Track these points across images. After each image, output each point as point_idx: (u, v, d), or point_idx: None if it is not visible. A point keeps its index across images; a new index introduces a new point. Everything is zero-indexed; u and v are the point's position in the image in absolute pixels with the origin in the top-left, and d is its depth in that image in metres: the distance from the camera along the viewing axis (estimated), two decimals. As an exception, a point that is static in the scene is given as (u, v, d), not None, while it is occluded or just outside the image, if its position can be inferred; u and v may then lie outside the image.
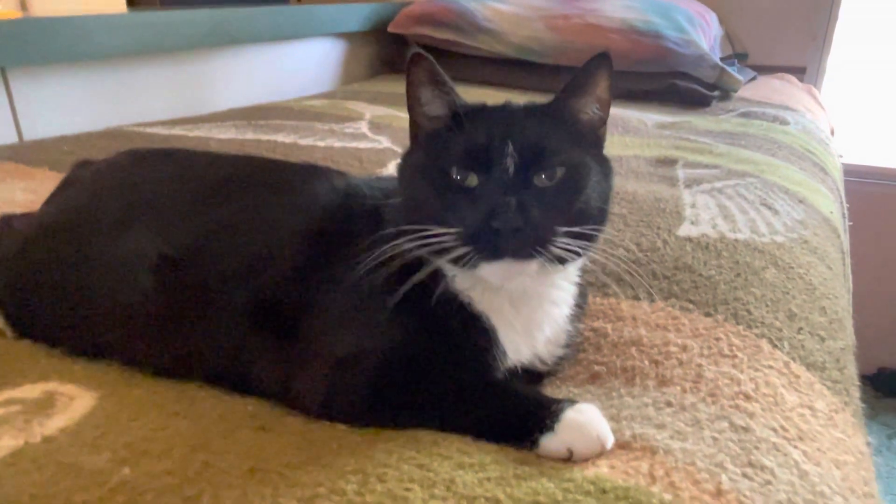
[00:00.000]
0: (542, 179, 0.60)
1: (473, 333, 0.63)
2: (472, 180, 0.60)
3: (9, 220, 0.87)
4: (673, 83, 2.12)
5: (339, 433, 0.59)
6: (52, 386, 0.65)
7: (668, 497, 0.48)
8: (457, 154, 0.61)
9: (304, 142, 1.53)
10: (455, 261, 0.59)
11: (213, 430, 0.57)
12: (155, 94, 1.86)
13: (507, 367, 0.64)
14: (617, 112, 1.95)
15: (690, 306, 0.78)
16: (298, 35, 2.27)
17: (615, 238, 0.94)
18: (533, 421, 0.55)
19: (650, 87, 2.14)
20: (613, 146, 1.58)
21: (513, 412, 0.57)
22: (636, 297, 0.81)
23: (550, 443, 0.54)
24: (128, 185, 0.81)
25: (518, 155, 0.59)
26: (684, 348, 0.70)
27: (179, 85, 1.93)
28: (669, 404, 0.60)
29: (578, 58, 2.27)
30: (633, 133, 1.74)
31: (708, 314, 0.77)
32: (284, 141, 1.52)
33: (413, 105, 0.65)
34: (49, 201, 0.86)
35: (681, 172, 1.37)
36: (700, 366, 0.66)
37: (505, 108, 0.66)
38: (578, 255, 0.61)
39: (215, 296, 0.69)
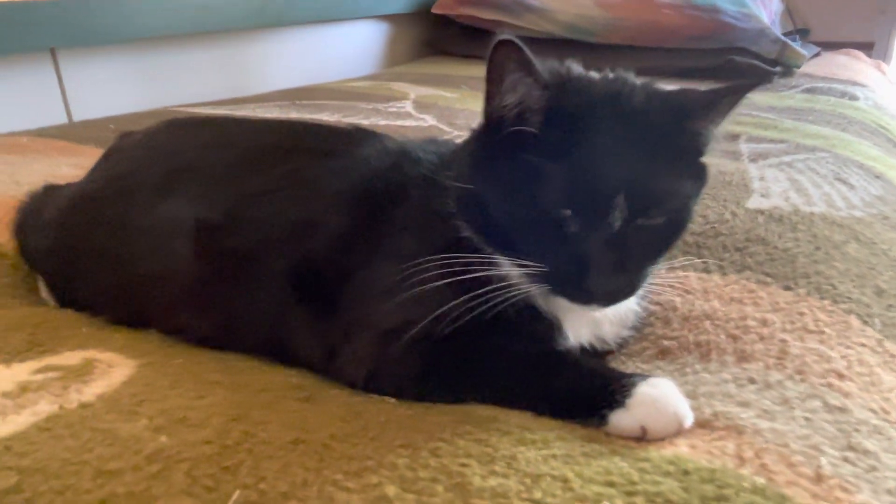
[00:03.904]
0: (645, 222, 0.52)
1: (531, 317, 0.57)
2: (569, 218, 0.51)
3: (52, 188, 0.86)
4: (731, 59, 2.01)
5: (387, 406, 0.54)
6: (91, 353, 0.62)
7: (760, 480, 0.42)
8: (554, 185, 0.51)
9: (348, 120, 1.50)
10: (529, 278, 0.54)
11: (254, 401, 0.54)
12: (200, 75, 1.85)
13: (569, 348, 0.59)
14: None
15: (768, 279, 0.72)
16: (342, 17, 2.24)
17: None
18: (601, 396, 0.50)
19: (707, 63, 2.04)
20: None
21: (578, 386, 0.52)
22: (706, 270, 0.74)
23: (622, 420, 0.49)
24: (168, 153, 0.78)
25: (628, 206, 0.50)
26: (764, 322, 0.63)
27: (224, 66, 1.93)
28: (752, 381, 0.54)
29: (629, 35, 2.19)
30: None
31: (788, 287, 0.70)
32: (328, 120, 1.49)
33: (494, 95, 0.54)
34: (92, 171, 0.84)
35: (744, 147, 1.29)
36: (784, 341, 0.60)
37: (618, 121, 0.52)
38: None
39: (256, 262, 0.65)
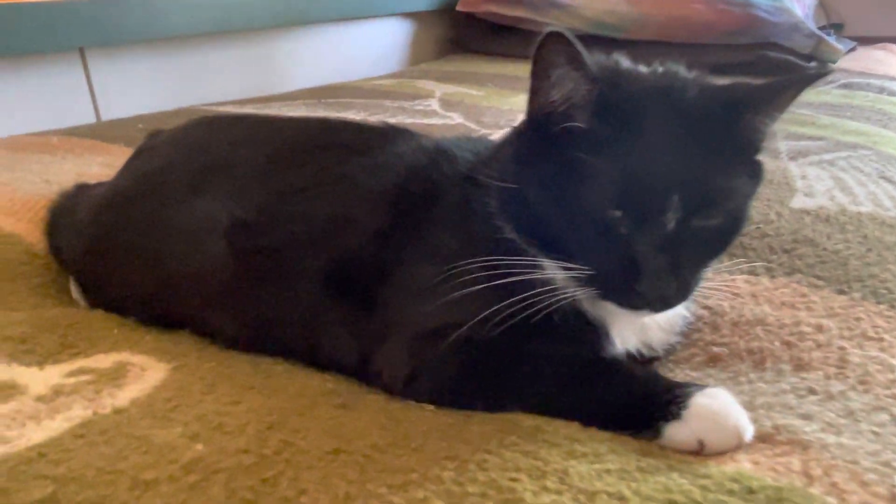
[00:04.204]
0: (700, 222, 0.49)
1: (576, 323, 0.55)
2: (620, 219, 0.49)
3: (83, 188, 0.85)
4: (763, 54, 1.96)
5: (427, 414, 0.52)
6: (124, 356, 0.61)
7: (832, 501, 0.39)
8: (604, 184, 0.48)
9: (374, 118, 1.48)
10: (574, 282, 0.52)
11: (290, 407, 0.52)
12: (227, 74, 1.85)
13: (615, 355, 0.56)
14: (703, 86, 1.82)
15: (819, 282, 0.68)
16: (367, 14, 2.22)
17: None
18: (655, 406, 0.47)
19: (738, 59, 1.99)
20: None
21: (630, 396, 0.49)
22: (753, 273, 0.71)
23: (678, 432, 0.46)
24: (199, 150, 0.76)
25: (682, 206, 0.48)
26: (820, 328, 0.60)
27: (251, 65, 1.92)
28: (813, 392, 0.51)
29: (657, 31, 2.15)
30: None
31: (841, 291, 0.67)
32: (354, 118, 1.48)
33: (539, 91, 0.52)
34: (122, 170, 0.83)
35: (782, 144, 1.25)
36: (843, 349, 0.57)
37: (671, 116, 0.50)
38: None
39: (290, 261, 0.63)
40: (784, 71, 1.92)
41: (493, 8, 2.32)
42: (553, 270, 0.53)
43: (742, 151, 0.53)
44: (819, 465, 0.43)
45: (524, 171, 0.54)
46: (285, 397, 0.54)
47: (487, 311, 0.52)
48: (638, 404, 0.48)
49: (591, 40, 2.33)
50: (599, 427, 0.49)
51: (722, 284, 0.68)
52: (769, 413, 0.49)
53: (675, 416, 0.46)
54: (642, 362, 0.59)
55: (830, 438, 0.45)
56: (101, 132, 1.33)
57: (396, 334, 0.57)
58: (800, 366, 0.55)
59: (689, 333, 0.62)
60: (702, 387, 0.48)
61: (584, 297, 0.53)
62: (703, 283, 0.58)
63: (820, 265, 0.72)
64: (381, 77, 2.10)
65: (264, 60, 1.96)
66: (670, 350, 0.61)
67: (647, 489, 0.40)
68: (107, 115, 1.58)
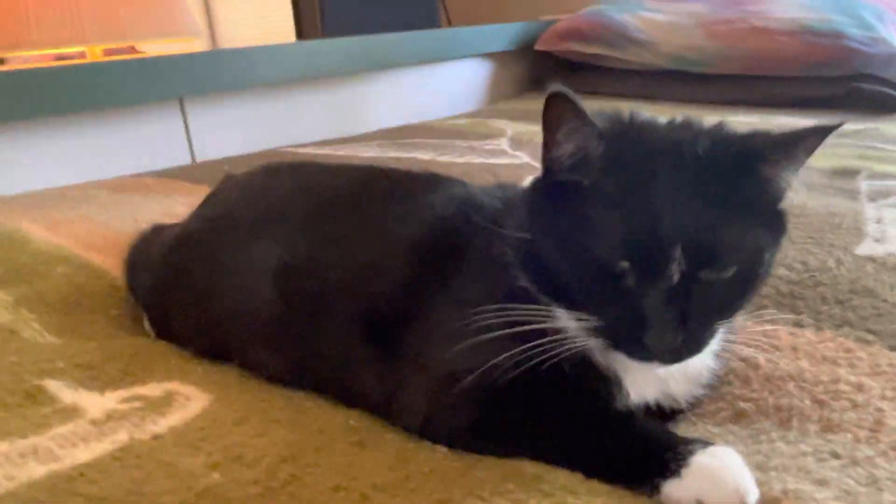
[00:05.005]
0: (710, 275, 0.49)
1: (588, 373, 0.55)
2: (626, 268, 0.49)
3: (159, 228, 0.93)
4: (856, 87, 1.86)
5: (438, 456, 0.54)
6: (173, 385, 0.67)
7: (826, 575, 0.37)
8: (609, 236, 0.49)
9: (442, 159, 1.52)
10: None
11: (309, 442, 0.55)
12: (312, 117, 1.97)
13: (629, 406, 0.56)
14: (785, 121, 1.75)
15: (870, 337, 0.65)
16: (447, 57, 2.30)
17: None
18: (655, 462, 0.47)
19: (827, 92, 1.90)
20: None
21: (632, 449, 0.49)
22: (798, 325, 0.68)
23: (675, 491, 0.45)
24: (258, 197, 0.83)
25: (687, 259, 0.47)
26: (860, 388, 0.57)
27: (334, 108, 2.03)
28: (836, 455, 0.49)
29: (742, 65, 2.09)
30: (805, 143, 1.54)
31: (894, 348, 0.63)
32: (423, 158, 1.53)
33: (551, 144, 0.53)
34: (194, 211, 0.91)
35: (863, 184, 1.18)
36: (881, 410, 0.53)
37: (673, 163, 0.50)
38: None
39: (327, 304, 0.67)
40: (878, 104, 1.81)
41: (571, 46, 2.34)
42: (565, 320, 0.54)
43: (758, 202, 0.52)
44: (822, 535, 0.41)
45: (536, 221, 0.55)
46: (308, 432, 0.58)
47: (499, 358, 0.53)
48: (639, 459, 0.48)
49: (673, 76, 2.31)
50: (601, 479, 0.48)
51: (761, 336, 0.66)
52: (782, 476, 0.47)
53: (675, 473, 0.45)
54: (664, 415, 0.58)
55: (843, 507, 0.43)
56: (190, 174, 1.45)
57: (416, 377, 0.60)
58: (828, 427, 0.52)
59: (717, 387, 0.60)
60: (707, 444, 0.47)
61: (596, 347, 0.53)
62: (732, 334, 0.57)
63: (875, 318, 0.68)
64: (457, 116, 2.16)
65: (347, 103, 2.07)
66: (696, 403, 0.59)
67: (630, 547, 0.40)
68: (201, 157, 1.72)
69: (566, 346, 0.52)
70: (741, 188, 0.50)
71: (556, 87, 0.50)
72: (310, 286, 0.69)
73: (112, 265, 0.97)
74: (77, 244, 1.02)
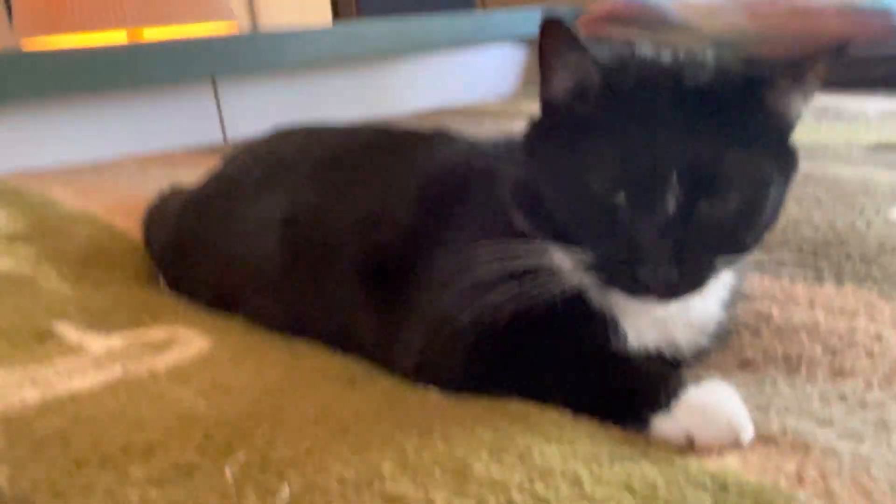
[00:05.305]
0: (710, 206, 0.46)
1: (582, 312, 0.52)
2: (621, 199, 0.47)
3: (178, 191, 0.95)
4: (907, 66, 1.77)
5: (428, 396, 0.53)
6: (177, 330, 0.68)
7: (818, 504, 0.35)
8: (606, 167, 0.47)
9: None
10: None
11: (301, 380, 0.55)
12: (343, 98, 1.98)
13: (627, 350, 0.53)
14: (829, 101, 1.68)
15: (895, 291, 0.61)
16: (481, 41, 2.29)
17: (799, 216, 0.77)
18: (645, 397, 0.44)
19: (877, 73, 1.82)
20: (819, 133, 1.34)
21: (622, 385, 0.47)
22: (818, 279, 0.65)
23: (664, 425, 0.43)
24: (269, 156, 0.83)
25: (683, 186, 0.45)
26: (878, 338, 0.53)
27: (366, 90, 2.04)
28: (843, 398, 0.46)
29: (784, 47, 2.01)
30: (847, 121, 1.48)
31: (921, 302, 0.59)
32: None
33: (547, 78, 0.52)
34: (208, 173, 0.92)
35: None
36: (899, 359, 0.50)
37: (673, 94, 0.48)
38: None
39: (330, 253, 0.67)
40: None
41: (609, 30, 2.29)
42: (560, 258, 0.52)
43: (764, 133, 0.49)
44: (818, 469, 0.38)
45: (534, 159, 0.54)
46: (301, 372, 0.57)
47: (491, 298, 0.52)
48: (629, 394, 0.46)
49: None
50: (591, 416, 0.46)
51: (776, 289, 0.63)
52: (782, 416, 0.44)
53: (664, 407, 0.43)
54: (667, 365, 0.56)
55: (845, 446, 0.40)
56: (219, 149, 1.47)
57: (413, 321, 0.59)
58: (839, 372, 0.49)
59: (725, 338, 0.58)
60: (701, 379, 0.44)
61: (592, 286, 0.51)
62: (743, 283, 0.55)
63: (903, 274, 0.64)
64: (489, 101, 2.14)
65: (379, 85, 2.08)
66: (701, 354, 0.57)
67: (608, 473, 0.38)
68: (232, 136, 1.75)
69: (559, 284, 0.51)
70: (745, 117, 0.48)
71: (549, 15, 0.48)
72: (313, 235, 0.69)
73: (133, 228, 0.99)
74: (102, 209, 1.04)
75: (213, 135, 1.72)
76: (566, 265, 0.52)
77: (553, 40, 0.49)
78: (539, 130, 0.55)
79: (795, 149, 0.51)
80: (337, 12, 2.33)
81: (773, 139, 0.50)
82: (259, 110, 1.81)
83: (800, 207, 0.81)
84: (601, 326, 0.52)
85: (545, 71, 0.52)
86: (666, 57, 0.54)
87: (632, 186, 0.47)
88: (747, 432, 0.42)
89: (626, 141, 0.47)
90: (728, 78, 0.49)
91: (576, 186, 0.49)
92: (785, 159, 0.50)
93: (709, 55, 0.53)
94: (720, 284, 0.55)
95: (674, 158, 0.45)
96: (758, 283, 0.65)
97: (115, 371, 0.57)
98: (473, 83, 2.30)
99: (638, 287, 0.48)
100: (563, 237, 0.51)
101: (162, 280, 0.87)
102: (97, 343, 0.64)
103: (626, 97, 0.49)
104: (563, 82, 0.51)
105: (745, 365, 0.54)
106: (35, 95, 1.43)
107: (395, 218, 0.65)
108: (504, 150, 0.65)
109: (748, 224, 0.49)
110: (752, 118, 0.48)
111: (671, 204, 0.46)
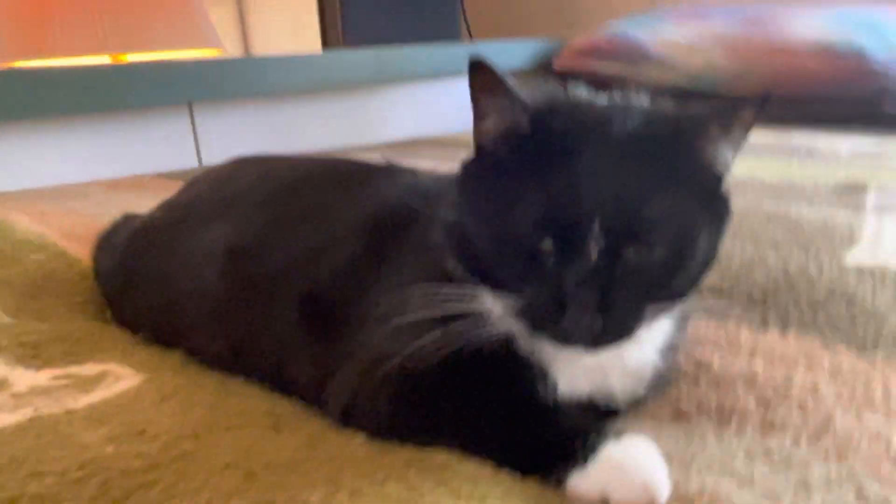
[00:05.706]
0: (635, 254, 0.46)
1: (511, 360, 0.51)
2: (546, 245, 0.46)
3: (130, 218, 0.93)
4: (881, 107, 1.79)
5: (352, 443, 0.51)
6: (110, 367, 0.66)
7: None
8: (527, 208, 0.47)
9: (443, 167, 1.51)
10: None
11: (223, 423, 0.53)
12: (320, 127, 1.98)
13: (559, 400, 0.52)
14: (802, 140, 1.69)
15: (838, 341, 0.60)
16: (460, 72, 2.30)
17: (754, 257, 0.77)
18: (562, 452, 0.43)
19: (849, 112, 1.84)
20: (790, 171, 1.35)
21: (543, 438, 0.45)
22: (763, 325, 0.64)
23: (580, 483, 0.42)
24: (222, 185, 0.82)
25: (606, 233, 0.45)
26: (814, 390, 0.52)
27: (343, 119, 2.04)
28: (769, 454, 0.44)
29: (759, 84, 2.03)
30: (818, 159, 1.49)
31: (862, 350, 0.58)
32: (423, 166, 1.51)
33: (477, 118, 0.52)
34: (162, 202, 0.91)
35: (872, 197, 1.12)
36: (831, 414, 0.49)
37: (601, 139, 0.48)
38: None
39: (268, 288, 0.66)
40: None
41: (590, 64, 2.32)
42: (490, 303, 0.51)
43: (694, 182, 0.48)
44: (729, 535, 0.36)
45: (464, 200, 0.53)
46: (226, 414, 0.55)
47: (420, 343, 0.51)
48: (548, 447, 0.44)
49: (689, 95, 2.28)
50: (511, 469, 0.45)
51: (719, 336, 0.62)
52: (704, 473, 0.43)
53: (581, 463, 0.42)
54: (601, 414, 0.54)
55: (762, 508, 0.39)
56: (188, 175, 1.46)
57: (346, 363, 0.57)
58: (770, 426, 0.48)
59: (663, 387, 0.56)
60: (621, 434, 0.43)
61: (519, 333, 0.50)
62: (683, 332, 0.54)
63: (849, 322, 0.63)
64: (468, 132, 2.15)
65: (357, 115, 2.08)
66: (638, 402, 0.55)
67: (511, 536, 0.36)
68: (208, 161, 1.74)
69: (489, 331, 0.49)
70: (673, 165, 0.47)
71: (476, 56, 0.48)
72: (253, 269, 0.68)
73: (87, 254, 0.97)
74: (58, 234, 1.03)
75: (188, 161, 1.71)
76: (496, 311, 0.51)
77: (481, 82, 0.49)
78: (470, 171, 0.54)
79: (728, 196, 0.51)
80: (326, 41, 2.35)
81: (702, 187, 0.49)
82: (236, 137, 1.81)
83: (756, 249, 0.81)
84: (529, 375, 0.51)
85: (475, 111, 0.51)
86: (600, 101, 0.53)
87: (556, 232, 0.46)
88: (663, 493, 0.41)
89: (550, 186, 0.47)
90: (658, 124, 0.49)
91: (502, 230, 0.49)
92: (716, 207, 0.50)
93: (643, 100, 0.53)
94: (657, 332, 0.54)
95: (597, 205, 0.45)
96: (703, 328, 0.64)
97: (29, 411, 0.55)
98: (458, 113, 2.31)
99: (563, 335, 0.46)
100: (492, 282, 0.50)
101: (109, 311, 0.86)
102: (23, 379, 0.62)
103: (553, 141, 0.48)
104: (491, 124, 0.51)
105: (678, 416, 0.52)
106: (1, 119, 1.41)
107: (335, 254, 0.64)
108: (446, 187, 0.65)
109: (676, 272, 0.48)
110: (681, 165, 0.48)
111: (594, 251, 0.45)
